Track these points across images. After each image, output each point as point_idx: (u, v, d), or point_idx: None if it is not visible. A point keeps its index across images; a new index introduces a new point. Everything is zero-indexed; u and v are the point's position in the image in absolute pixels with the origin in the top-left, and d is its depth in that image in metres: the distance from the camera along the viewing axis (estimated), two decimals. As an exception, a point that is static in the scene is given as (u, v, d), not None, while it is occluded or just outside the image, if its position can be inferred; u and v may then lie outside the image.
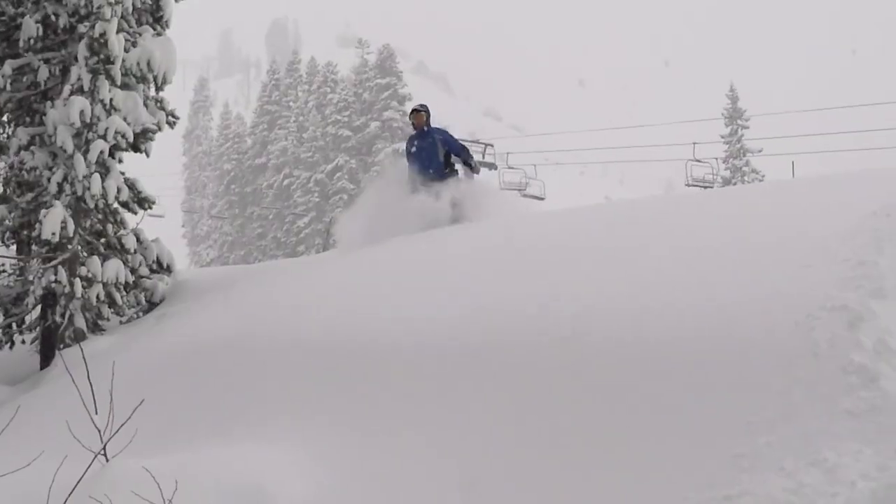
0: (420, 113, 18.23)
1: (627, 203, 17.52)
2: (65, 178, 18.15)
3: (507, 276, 10.91)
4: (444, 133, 18.31)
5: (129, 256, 19.52)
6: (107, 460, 7.71)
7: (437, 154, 17.91)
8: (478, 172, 19.30)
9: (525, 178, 54.57)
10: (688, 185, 48.29)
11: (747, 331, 7.23)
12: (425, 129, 18.19)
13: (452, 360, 9.14)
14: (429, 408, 8.49)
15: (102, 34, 17.92)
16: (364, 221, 17.40)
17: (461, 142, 19.02)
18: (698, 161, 49.20)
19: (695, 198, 15.69)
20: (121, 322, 19.81)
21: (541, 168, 55.15)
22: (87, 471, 7.45)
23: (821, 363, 6.47)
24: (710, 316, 7.67)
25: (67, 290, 17.91)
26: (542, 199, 51.39)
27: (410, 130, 19.46)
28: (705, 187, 46.09)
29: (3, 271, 21.87)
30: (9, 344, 19.36)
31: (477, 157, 57.21)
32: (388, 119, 73.15)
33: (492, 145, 57.78)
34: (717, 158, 54.79)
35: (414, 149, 18.15)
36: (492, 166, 56.66)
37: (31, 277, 18.89)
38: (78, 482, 7.32)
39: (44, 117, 18.61)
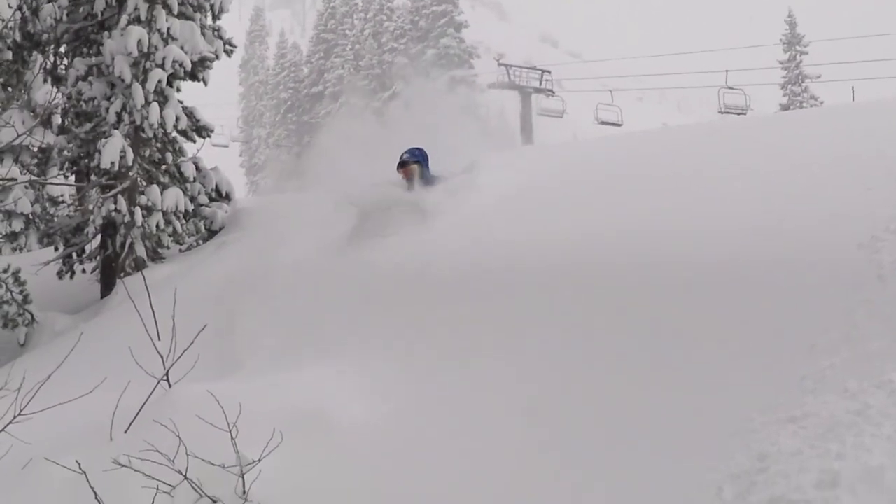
0: (409, 166, 13.65)
1: (686, 129, 17.37)
2: (123, 108, 18.19)
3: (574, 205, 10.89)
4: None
5: (189, 185, 19.59)
6: (169, 386, 7.78)
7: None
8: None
9: (564, 105, 55.22)
10: (721, 112, 48.62)
11: (811, 252, 7.16)
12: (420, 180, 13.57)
13: (522, 284, 9.13)
14: (491, 335, 8.47)
15: (158, -38, 17.91)
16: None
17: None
18: (731, 88, 49.55)
19: (754, 123, 15.52)
20: (180, 250, 19.94)
21: (599, 94, 55.24)
22: (150, 395, 7.52)
23: (885, 285, 6.39)
24: (774, 238, 7.59)
25: (127, 218, 18.01)
26: (619, 125, 51.98)
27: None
28: (739, 114, 46.23)
29: (63, 201, 22.03)
30: (69, 273, 19.52)
31: (534, 84, 58.04)
32: (446, 46, 72.82)
33: (549, 72, 57.96)
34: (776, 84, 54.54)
35: None
36: (549, 93, 57.08)
37: (90, 207, 19.00)
38: (142, 407, 7.40)
39: (101, 48, 18.63)
